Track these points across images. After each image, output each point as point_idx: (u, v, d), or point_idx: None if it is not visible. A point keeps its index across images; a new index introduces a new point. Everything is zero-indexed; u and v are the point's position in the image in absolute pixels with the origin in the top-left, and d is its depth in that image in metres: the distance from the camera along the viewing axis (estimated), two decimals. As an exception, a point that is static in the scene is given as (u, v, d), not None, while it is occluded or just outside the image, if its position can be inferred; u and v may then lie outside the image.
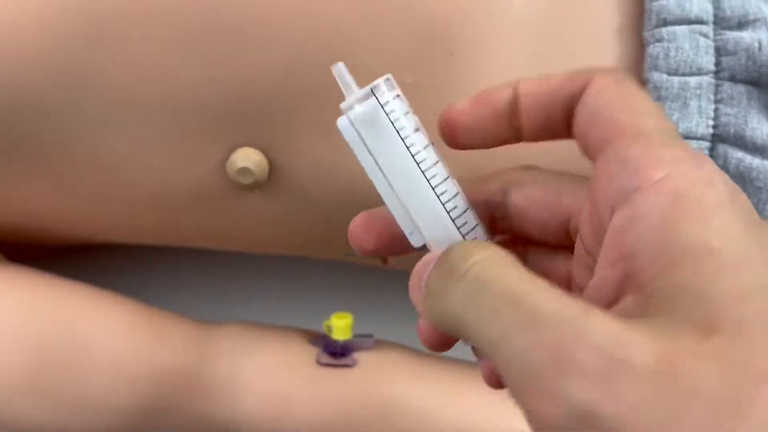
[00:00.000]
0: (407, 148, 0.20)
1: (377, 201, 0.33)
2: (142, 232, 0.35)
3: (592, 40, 0.30)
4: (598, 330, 0.14)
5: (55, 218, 0.34)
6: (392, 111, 0.20)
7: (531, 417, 0.15)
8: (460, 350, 0.37)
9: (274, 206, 0.32)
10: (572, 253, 0.20)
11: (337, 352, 0.36)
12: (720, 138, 0.29)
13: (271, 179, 0.31)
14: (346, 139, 0.20)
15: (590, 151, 0.19)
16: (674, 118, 0.28)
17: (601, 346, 0.14)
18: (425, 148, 0.20)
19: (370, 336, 0.36)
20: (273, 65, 0.29)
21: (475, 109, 0.21)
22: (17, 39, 0.28)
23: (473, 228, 0.21)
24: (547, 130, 0.20)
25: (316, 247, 0.35)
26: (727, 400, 0.13)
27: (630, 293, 0.16)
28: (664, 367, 0.14)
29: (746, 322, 0.14)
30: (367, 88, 0.20)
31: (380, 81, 0.20)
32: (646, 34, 0.29)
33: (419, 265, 0.20)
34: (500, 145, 0.21)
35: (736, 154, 0.28)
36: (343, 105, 0.20)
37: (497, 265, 0.17)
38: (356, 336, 0.36)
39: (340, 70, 0.21)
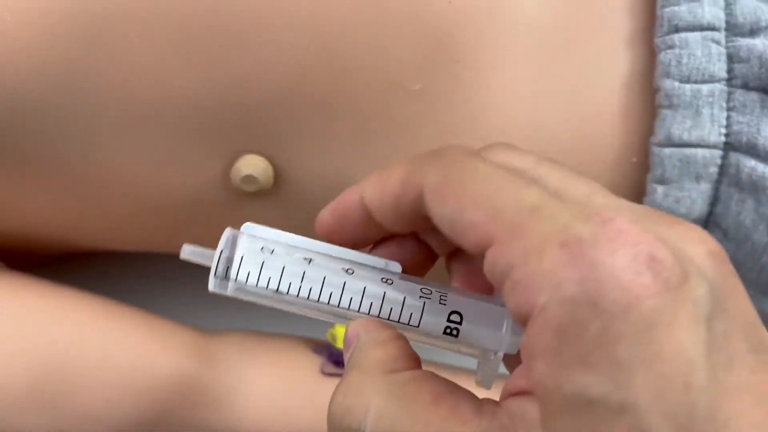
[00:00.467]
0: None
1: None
2: (144, 239, 0.35)
3: (603, 48, 0.29)
4: None
5: (54, 225, 0.34)
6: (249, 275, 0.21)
7: None
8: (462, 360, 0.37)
9: (276, 214, 0.32)
10: None
11: (341, 362, 0.35)
12: (732, 146, 0.28)
13: (276, 187, 0.30)
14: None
15: (470, 252, 0.18)
16: (687, 125, 0.28)
17: None
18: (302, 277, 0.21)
19: (374, 345, 0.36)
20: (277, 72, 0.28)
21: (335, 220, 0.22)
22: (15, 44, 0.27)
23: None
24: (408, 225, 0.20)
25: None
26: None
27: (533, 405, 0.16)
28: None
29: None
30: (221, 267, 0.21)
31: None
32: (658, 41, 0.29)
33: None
34: (378, 238, 0.22)
35: (749, 163, 0.28)
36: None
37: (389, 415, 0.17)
38: (360, 345, 0.35)
39: (192, 251, 0.22)
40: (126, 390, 0.32)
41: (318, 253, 0.21)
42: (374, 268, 0.21)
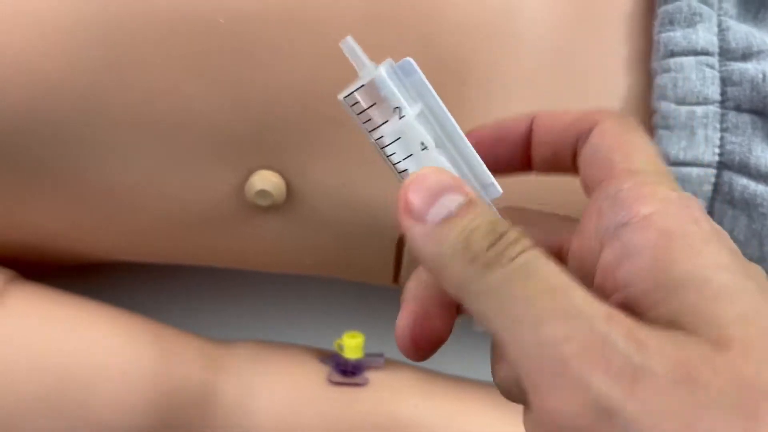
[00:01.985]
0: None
1: (391, 223, 0.34)
2: (157, 252, 0.36)
3: (603, 72, 0.31)
4: (625, 334, 0.15)
5: (70, 237, 0.35)
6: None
7: (544, 411, 0.15)
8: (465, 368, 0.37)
9: (289, 228, 0.33)
10: None
11: (348, 371, 0.36)
12: (725, 165, 0.29)
13: (288, 201, 0.32)
14: (414, 81, 0.20)
15: (587, 190, 0.20)
16: (682, 145, 0.29)
17: (625, 349, 0.15)
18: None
19: (381, 355, 0.37)
20: (289, 89, 0.29)
21: (494, 134, 0.22)
22: (38, 67, 0.28)
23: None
24: (554, 164, 0.22)
25: (330, 268, 0.36)
26: (741, 411, 0.14)
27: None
28: (683, 376, 0.15)
29: (752, 341, 0.15)
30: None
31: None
32: (655, 65, 0.30)
33: (441, 177, 0.19)
34: (510, 173, 0.22)
35: (741, 181, 0.29)
36: (381, 65, 0.20)
37: (541, 256, 0.17)
38: (367, 355, 0.36)
39: (351, 46, 0.20)
40: (139, 399, 0.33)
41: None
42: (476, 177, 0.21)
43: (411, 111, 0.20)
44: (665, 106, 0.29)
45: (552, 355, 0.15)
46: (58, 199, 0.32)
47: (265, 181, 0.31)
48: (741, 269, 0.17)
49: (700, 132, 0.29)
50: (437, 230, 0.18)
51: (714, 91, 0.30)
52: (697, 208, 0.18)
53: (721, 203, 0.30)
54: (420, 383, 0.36)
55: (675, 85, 0.29)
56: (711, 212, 0.30)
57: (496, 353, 0.20)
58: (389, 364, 0.36)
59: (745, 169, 0.29)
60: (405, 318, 0.21)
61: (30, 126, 0.29)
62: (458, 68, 0.30)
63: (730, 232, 0.30)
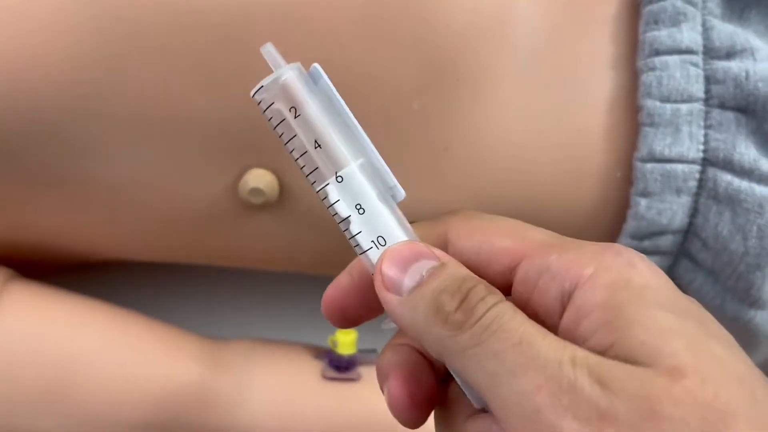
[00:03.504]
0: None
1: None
2: (155, 251, 0.36)
3: (590, 70, 0.31)
4: (589, 375, 0.16)
5: (67, 237, 0.35)
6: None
7: None
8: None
9: (283, 226, 0.33)
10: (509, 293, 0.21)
11: (342, 367, 0.37)
12: (710, 162, 0.30)
13: (281, 200, 0.32)
14: (323, 85, 0.21)
15: (497, 279, 0.20)
16: (667, 142, 0.30)
17: (591, 393, 0.16)
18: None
19: (374, 351, 0.37)
20: None
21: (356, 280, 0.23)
22: (40, 69, 0.29)
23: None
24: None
25: (323, 265, 0.36)
26: None
27: None
28: (647, 412, 0.15)
29: (703, 366, 0.16)
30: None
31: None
32: (640, 64, 0.31)
33: (414, 248, 0.20)
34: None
35: (725, 177, 0.30)
36: (290, 67, 0.21)
37: (508, 309, 0.18)
38: (360, 351, 0.37)
39: (269, 51, 0.21)
40: (137, 396, 0.34)
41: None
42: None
43: (309, 109, 0.21)
44: (650, 104, 0.30)
45: (526, 406, 0.16)
46: (57, 198, 0.33)
47: (259, 179, 0.31)
48: (680, 306, 0.18)
49: (685, 129, 0.30)
50: (411, 298, 0.19)
51: (698, 89, 0.30)
52: (626, 252, 0.19)
53: (706, 199, 0.30)
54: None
55: (660, 83, 0.30)
56: (696, 208, 0.30)
57: (465, 411, 0.20)
58: (382, 359, 0.37)
59: (729, 166, 0.30)
60: (397, 387, 0.21)
61: (30, 125, 0.30)
62: (452, 68, 0.30)
63: (715, 227, 0.30)
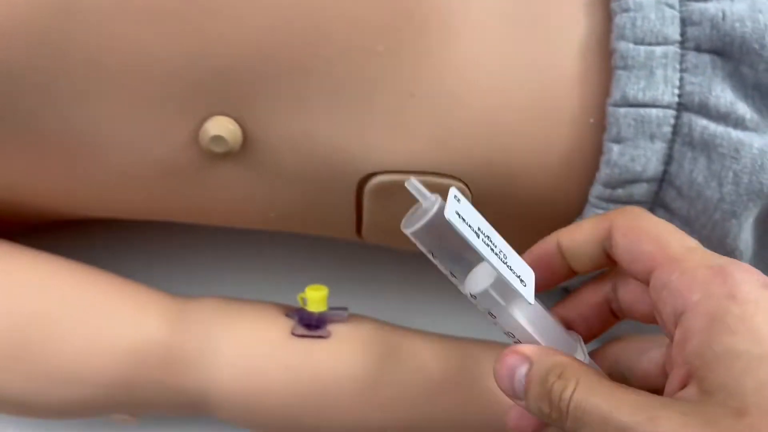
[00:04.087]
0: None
1: (352, 173, 0.33)
2: (115, 207, 0.35)
3: (563, 13, 0.30)
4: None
5: (26, 192, 0.34)
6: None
7: None
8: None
9: (247, 177, 0.32)
10: None
11: (312, 324, 0.36)
12: (685, 107, 0.29)
13: (245, 149, 0.31)
14: (458, 228, 0.23)
15: (638, 277, 0.25)
16: (641, 86, 0.29)
17: None
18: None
19: (344, 309, 0.36)
20: (247, 35, 0.29)
21: (532, 261, 0.27)
22: None
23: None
24: (592, 265, 0.27)
25: (293, 221, 0.36)
26: None
27: (691, 385, 0.21)
28: None
29: (766, 405, 0.19)
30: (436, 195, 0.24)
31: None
32: (614, 5, 0.30)
33: (510, 360, 0.24)
34: (562, 281, 0.28)
35: (701, 122, 0.29)
36: (427, 206, 0.23)
37: (585, 389, 0.22)
38: (331, 308, 0.36)
39: (414, 185, 0.24)
40: (101, 352, 0.33)
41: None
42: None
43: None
44: (624, 46, 0.29)
45: None
46: (12, 151, 0.32)
47: (220, 127, 0.30)
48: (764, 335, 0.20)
49: (659, 72, 0.29)
50: (527, 406, 0.24)
51: (674, 30, 0.29)
52: (732, 281, 0.21)
53: (681, 145, 0.29)
54: (383, 337, 0.35)
55: (634, 25, 0.29)
56: (670, 155, 0.30)
57: None
58: (353, 317, 0.36)
59: (704, 110, 0.29)
60: None
61: None
62: (417, 9, 0.29)
63: (689, 174, 0.29)
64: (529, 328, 0.25)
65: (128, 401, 0.34)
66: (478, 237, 0.23)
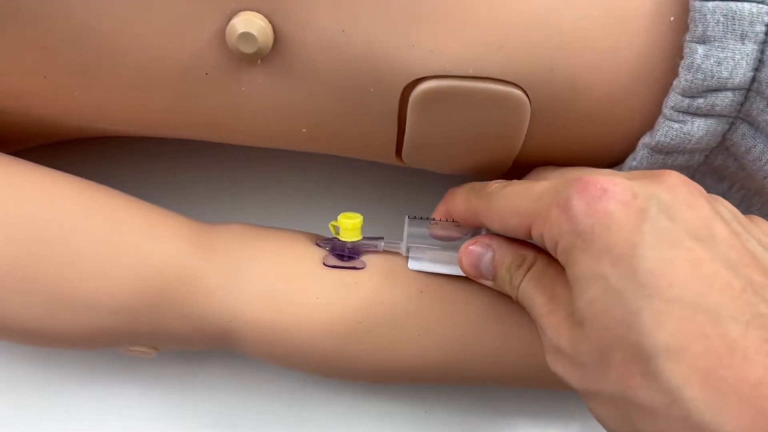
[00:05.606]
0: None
1: (396, 78, 0.30)
2: (134, 118, 0.32)
3: None
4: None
5: (37, 101, 0.31)
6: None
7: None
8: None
9: (280, 84, 0.29)
10: None
11: (344, 255, 0.33)
12: None
13: (276, 50, 0.28)
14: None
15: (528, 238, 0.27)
16: None
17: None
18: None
19: (380, 238, 0.33)
20: None
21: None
22: None
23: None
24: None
25: (327, 140, 0.32)
26: None
27: None
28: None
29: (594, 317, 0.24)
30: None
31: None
32: None
33: (475, 249, 0.30)
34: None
35: None
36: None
37: (530, 280, 0.28)
38: (365, 238, 0.33)
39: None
40: (118, 276, 0.30)
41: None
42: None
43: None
44: None
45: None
46: (18, 49, 0.29)
47: (249, 23, 0.27)
48: None
49: None
50: (495, 285, 0.30)
51: None
52: (571, 211, 0.24)
53: (775, 47, 0.26)
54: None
55: None
56: (761, 60, 0.26)
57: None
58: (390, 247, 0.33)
59: None
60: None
61: None
62: None
63: None
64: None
65: (146, 330, 0.32)
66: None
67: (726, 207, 0.24)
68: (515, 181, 0.29)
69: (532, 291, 0.27)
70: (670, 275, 0.21)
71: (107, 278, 0.30)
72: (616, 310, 0.22)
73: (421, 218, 0.32)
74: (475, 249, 0.30)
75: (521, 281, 0.28)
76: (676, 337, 0.21)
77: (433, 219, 0.32)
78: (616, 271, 0.22)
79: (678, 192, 0.23)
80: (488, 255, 0.29)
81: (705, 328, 0.20)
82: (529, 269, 0.28)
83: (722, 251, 0.22)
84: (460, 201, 0.31)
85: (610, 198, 0.23)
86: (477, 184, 0.30)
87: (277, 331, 0.31)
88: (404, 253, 0.33)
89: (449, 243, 0.32)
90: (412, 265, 0.32)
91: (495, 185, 0.29)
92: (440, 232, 0.32)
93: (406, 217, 0.32)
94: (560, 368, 0.25)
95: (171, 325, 0.32)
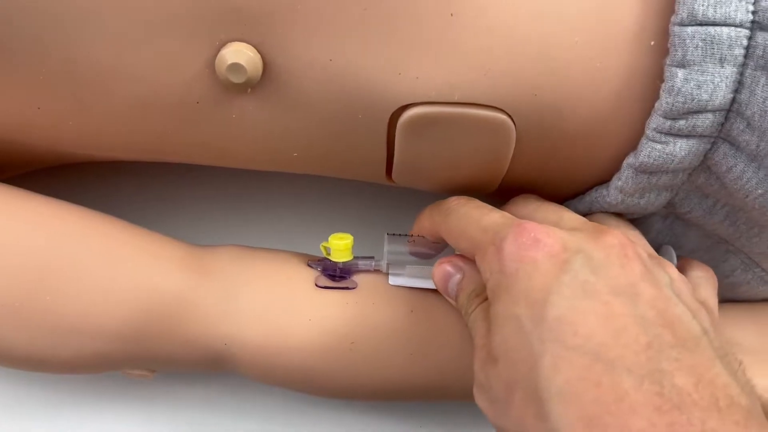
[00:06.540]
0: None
1: (384, 104, 0.30)
2: (128, 145, 0.33)
3: None
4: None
5: (31, 131, 0.32)
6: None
7: None
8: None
9: (269, 112, 0.29)
10: None
11: (336, 275, 0.33)
12: (760, 25, 0.26)
13: (266, 79, 0.28)
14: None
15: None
16: (711, 2, 0.26)
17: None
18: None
19: (371, 258, 0.34)
20: None
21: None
22: None
23: None
24: None
25: (318, 162, 0.33)
26: None
27: None
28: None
29: (507, 355, 0.25)
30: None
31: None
32: None
33: (447, 267, 0.31)
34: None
35: None
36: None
37: (479, 312, 0.28)
38: (357, 258, 0.34)
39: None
40: (114, 303, 0.31)
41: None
42: None
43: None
44: None
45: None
46: (17, 85, 0.29)
47: (238, 54, 0.27)
48: None
49: None
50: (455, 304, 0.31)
51: None
52: (502, 253, 0.26)
53: (753, 70, 0.26)
54: (414, 288, 0.33)
55: None
56: (741, 81, 0.26)
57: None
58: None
59: None
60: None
61: None
62: None
63: (762, 102, 0.26)
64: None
65: (143, 355, 0.32)
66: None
67: (669, 274, 0.26)
68: (472, 201, 0.30)
69: (478, 322, 0.27)
70: (578, 324, 0.22)
71: (101, 306, 0.30)
72: (522, 351, 0.23)
73: (399, 235, 0.33)
74: (448, 269, 0.30)
75: (473, 310, 0.28)
76: (570, 383, 0.22)
77: (410, 235, 0.33)
78: (528, 313, 0.24)
79: (611, 251, 0.25)
80: (457, 277, 0.30)
81: (600, 377, 0.21)
82: (483, 301, 0.28)
83: (640, 309, 0.23)
84: (425, 217, 0.32)
85: (540, 248, 0.25)
86: (440, 201, 0.31)
87: (271, 353, 0.32)
88: (384, 270, 0.33)
89: (427, 259, 0.33)
90: (392, 280, 0.33)
91: (453, 203, 0.30)
92: (417, 249, 0.33)
93: (386, 234, 0.33)
94: (480, 402, 0.27)
95: (167, 349, 0.32)
